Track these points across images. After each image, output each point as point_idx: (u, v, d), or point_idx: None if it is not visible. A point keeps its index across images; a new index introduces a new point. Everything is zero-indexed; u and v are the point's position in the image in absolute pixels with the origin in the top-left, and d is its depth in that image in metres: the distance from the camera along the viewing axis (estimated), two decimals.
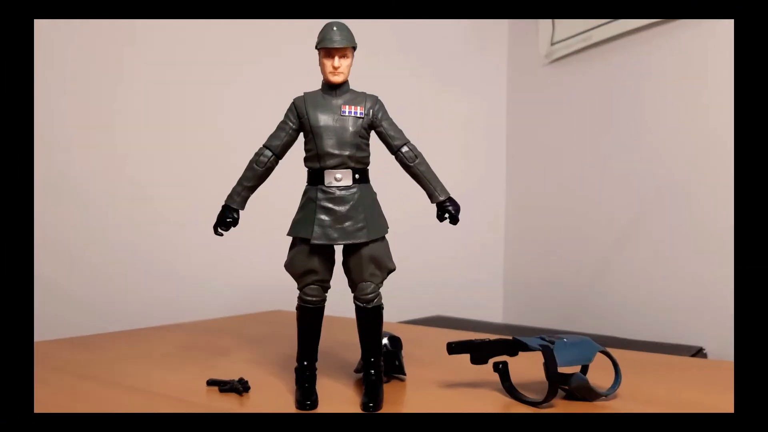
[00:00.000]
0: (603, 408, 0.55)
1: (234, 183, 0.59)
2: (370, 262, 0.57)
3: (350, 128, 0.56)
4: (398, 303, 0.83)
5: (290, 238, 0.59)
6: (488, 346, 0.60)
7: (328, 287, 0.59)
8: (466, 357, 0.60)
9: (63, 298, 0.98)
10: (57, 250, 0.98)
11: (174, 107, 1.09)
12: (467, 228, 0.92)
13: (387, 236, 0.59)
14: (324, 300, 0.59)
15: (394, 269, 0.59)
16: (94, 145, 1.01)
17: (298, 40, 0.89)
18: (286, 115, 0.58)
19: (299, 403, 0.55)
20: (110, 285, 1.02)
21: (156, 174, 1.07)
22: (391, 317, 0.69)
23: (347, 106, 0.56)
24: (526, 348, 0.57)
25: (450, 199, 0.58)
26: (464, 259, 1.42)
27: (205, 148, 1.11)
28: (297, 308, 0.59)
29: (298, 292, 0.58)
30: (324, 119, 0.56)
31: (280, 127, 0.58)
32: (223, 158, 1.03)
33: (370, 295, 0.58)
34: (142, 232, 1.05)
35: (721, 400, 0.57)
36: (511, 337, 0.60)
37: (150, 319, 1.01)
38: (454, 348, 0.60)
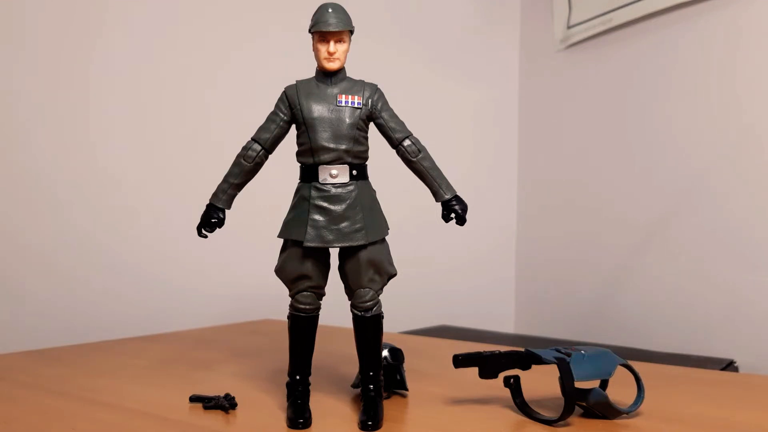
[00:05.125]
0: (624, 427, 0.55)
1: (220, 180, 0.59)
2: (368, 267, 0.57)
3: (347, 120, 0.56)
4: (400, 311, 0.83)
5: (281, 241, 0.59)
6: (498, 359, 0.60)
7: (323, 294, 0.59)
8: (474, 371, 0.60)
9: (32, 306, 0.98)
10: (23, 253, 0.98)
11: (155, 97, 1.09)
12: (475, 229, 0.92)
13: (387, 238, 0.59)
14: (318, 308, 0.59)
15: (395, 274, 0.59)
16: (63, 138, 1.01)
17: (289, 22, 0.89)
18: (277, 106, 0.58)
19: (291, 421, 0.55)
20: (84, 292, 1.02)
21: (133, 171, 1.07)
22: (391, 327, 0.69)
23: (344, 96, 0.56)
24: (540, 361, 0.57)
25: (456, 198, 0.58)
26: (472, 263, 1.42)
27: (188, 142, 1.11)
28: (288, 317, 0.59)
29: (289, 299, 0.58)
30: (318, 110, 0.56)
31: (270, 118, 0.58)
32: (207, 154, 1.03)
33: (368, 303, 0.58)
34: (119, 234, 1.05)
35: (755, 419, 0.57)
36: (523, 349, 0.60)
37: (128, 330, 1.01)
38: (461, 361, 0.60)
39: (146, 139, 1.08)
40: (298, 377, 0.58)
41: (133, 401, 0.63)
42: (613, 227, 1.26)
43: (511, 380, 0.59)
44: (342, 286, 0.59)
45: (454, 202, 0.58)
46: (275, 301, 0.75)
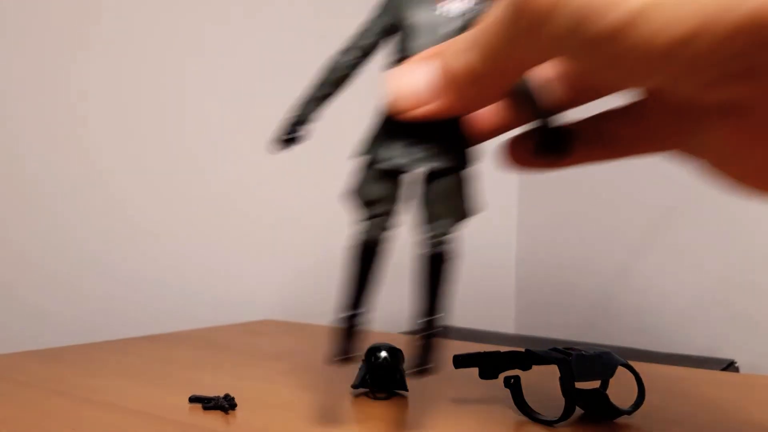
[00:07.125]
0: (625, 428, 0.55)
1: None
2: (452, 196, 0.50)
3: (452, 27, 0.47)
4: (399, 311, 0.83)
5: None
6: (498, 359, 0.60)
7: (396, 225, 0.51)
8: (474, 371, 0.60)
9: (32, 306, 0.98)
10: (23, 252, 0.98)
11: (152, 83, 1.09)
12: (475, 226, 0.92)
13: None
14: (390, 239, 0.50)
15: (473, 215, 0.52)
16: (52, 129, 1.01)
17: (287, 21, 0.88)
18: (376, 12, 0.50)
19: (331, 357, 0.48)
20: (84, 292, 1.02)
21: (133, 171, 1.07)
22: (392, 327, 0.69)
23: (446, 3, 0.48)
24: (541, 361, 0.57)
25: None
26: (472, 262, 1.41)
27: (189, 141, 1.11)
28: (351, 247, 0.50)
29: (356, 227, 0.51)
30: (422, 17, 0.48)
31: (367, 27, 0.50)
32: (207, 154, 1.03)
33: (442, 238, 0.49)
34: (119, 233, 1.05)
35: (755, 419, 0.57)
36: (523, 349, 0.60)
37: (128, 330, 1.01)
38: (461, 361, 0.60)
39: (148, 138, 1.08)
40: (353, 313, 0.49)
41: (133, 401, 0.63)
42: (613, 227, 1.26)
43: (511, 380, 0.59)
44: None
45: None
46: (275, 301, 0.75)
